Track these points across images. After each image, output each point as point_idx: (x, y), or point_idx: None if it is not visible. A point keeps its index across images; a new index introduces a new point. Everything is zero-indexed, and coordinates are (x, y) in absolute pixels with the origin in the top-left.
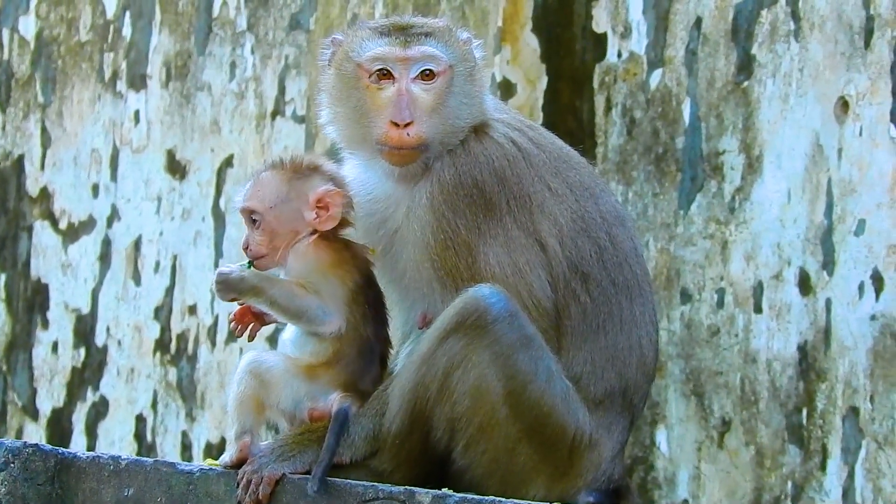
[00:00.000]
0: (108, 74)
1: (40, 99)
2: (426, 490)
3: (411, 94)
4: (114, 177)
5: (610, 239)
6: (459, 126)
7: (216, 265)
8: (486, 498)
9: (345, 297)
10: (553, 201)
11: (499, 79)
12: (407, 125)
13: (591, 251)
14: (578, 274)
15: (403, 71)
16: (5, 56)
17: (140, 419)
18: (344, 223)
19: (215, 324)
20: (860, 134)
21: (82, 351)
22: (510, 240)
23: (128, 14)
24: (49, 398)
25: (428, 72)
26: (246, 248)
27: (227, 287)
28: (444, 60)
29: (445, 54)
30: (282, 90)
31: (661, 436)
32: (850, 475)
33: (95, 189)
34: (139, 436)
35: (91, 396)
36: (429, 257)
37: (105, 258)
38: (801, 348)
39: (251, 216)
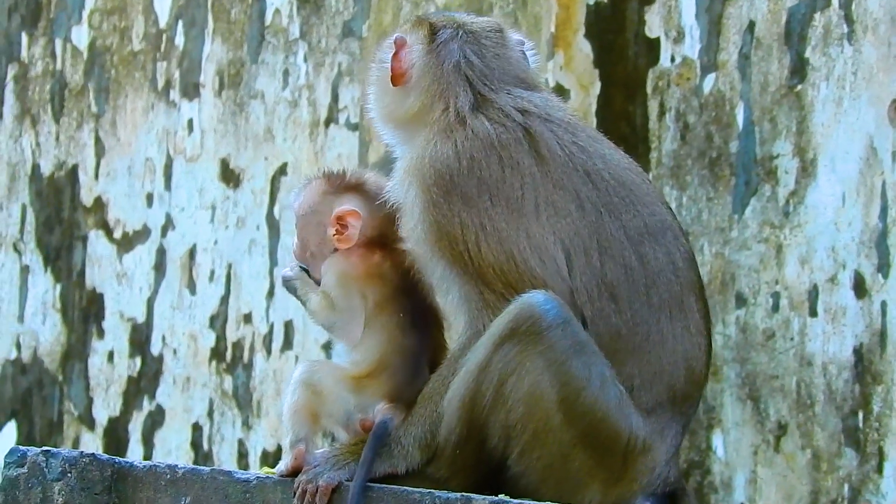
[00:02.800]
0: (161, 83)
1: (94, 109)
2: (483, 496)
3: None
4: (168, 186)
5: (639, 258)
6: (380, 121)
7: (271, 273)
8: None
9: (363, 310)
10: (551, 214)
11: (552, 84)
12: None
13: (615, 272)
14: (604, 295)
15: None
16: (58, 66)
17: (196, 428)
18: (387, 237)
19: (270, 332)
20: None
21: (138, 360)
22: (498, 230)
23: (180, 23)
24: (105, 407)
25: None
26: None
27: (286, 288)
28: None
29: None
30: (335, 98)
31: (717, 440)
32: None
33: (150, 198)
34: (196, 444)
35: (147, 405)
36: (430, 249)
37: (160, 267)
38: (857, 351)
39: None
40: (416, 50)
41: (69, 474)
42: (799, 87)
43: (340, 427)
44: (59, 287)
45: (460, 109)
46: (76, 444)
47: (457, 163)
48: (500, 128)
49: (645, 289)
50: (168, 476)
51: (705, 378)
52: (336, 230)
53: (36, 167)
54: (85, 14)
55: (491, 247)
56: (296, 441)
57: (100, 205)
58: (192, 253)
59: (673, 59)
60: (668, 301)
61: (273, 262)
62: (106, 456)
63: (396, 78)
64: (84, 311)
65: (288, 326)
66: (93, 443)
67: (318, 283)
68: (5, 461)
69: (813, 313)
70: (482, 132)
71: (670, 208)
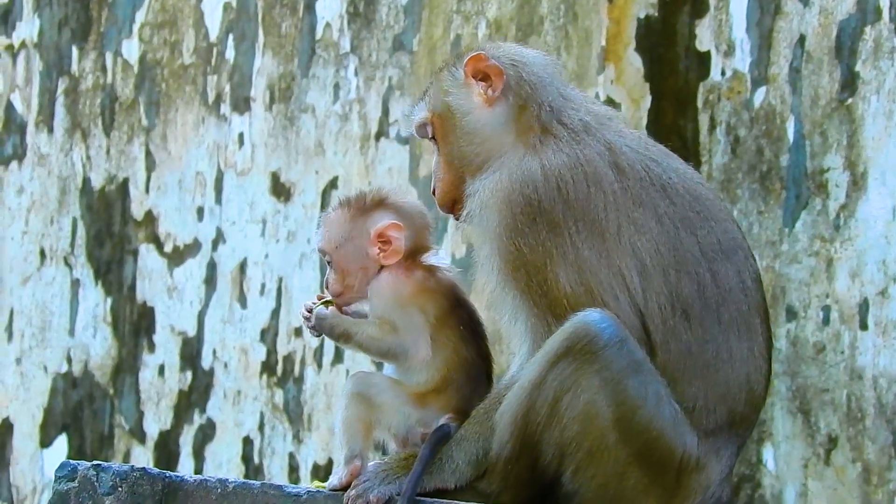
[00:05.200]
0: (211, 97)
1: (144, 122)
2: None
3: (435, 164)
4: (218, 200)
5: (712, 275)
6: (474, 164)
7: (321, 287)
8: None
9: (427, 326)
10: (632, 232)
11: (602, 98)
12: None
13: (689, 288)
14: (678, 312)
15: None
16: (109, 80)
17: (247, 441)
18: (420, 250)
19: (321, 346)
20: None
21: (189, 374)
22: (580, 260)
23: (231, 37)
24: (156, 421)
25: (429, 137)
26: (327, 287)
27: (321, 330)
28: (419, 119)
29: (423, 110)
30: (385, 112)
31: (767, 453)
32: None
33: (200, 212)
34: (246, 458)
35: (198, 419)
36: (504, 278)
37: (210, 281)
38: None
39: (324, 257)
40: (500, 59)
41: (120, 489)
42: (849, 100)
43: (397, 441)
44: (109, 301)
45: (552, 110)
46: (127, 457)
47: (544, 184)
48: (582, 140)
49: (716, 306)
50: (219, 490)
51: (763, 401)
52: (379, 248)
53: (86, 181)
54: (135, 28)
55: (570, 277)
56: (351, 456)
57: (150, 218)
58: (242, 267)
59: (723, 73)
60: (737, 320)
61: (324, 275)
62: (156, 470)
63: (494, 87)
64: (135, 325)
65: None
66: (143, 456)
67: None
68: (56, 475)
69: (863, 327)
70: (567, 147)
71: (740, 228)
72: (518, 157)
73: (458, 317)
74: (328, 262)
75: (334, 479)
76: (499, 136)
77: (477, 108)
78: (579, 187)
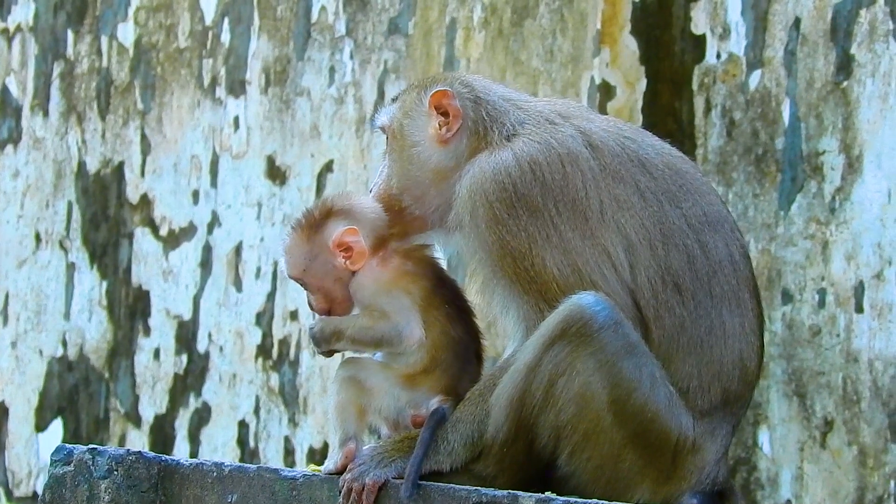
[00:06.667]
0: (207, 81)
1: (140, 106)
2: (529, 494)
3: (381, 168)
4: (214, 183)
5: (701, 247)
6: (410, 192)
7: None
8: (590, 501)
9: (415, 306)
10: (615, 209)
11: (598, 81)
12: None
13: (679, 261)
14: (669, 285)
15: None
16: (104, 63)
17: (242, 425)
18: (386, 239)
19: None
20: None
21: (184, 357)
22: (565, 242)
23: (226, 20)
24: (151, 405)
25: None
26: (313, 310)
27: (316, 342)
28: (379, 122)
29: (386, 117)
30: (381, 95)
31: (763, 436)
32: None
33: (196, 195)
34: (242, 442)
35: (193, 403)
36: (491, 269)
37: (206, 264)
38: None
39: (298, 282)
40: (465, 99)
41: (116, 472)
42: (845, 83)
43: (388, 424)
44: (105, 284)
45: (514, 123)
46: (122, 441)
47: (518, 169)
48: (552, 128)
49: (707, 279)
50: (214, 474)
51: (757, 379)
52: (343, 256)
53: (82, 164)
54: (131, 11)
55: (556, 260)
56: (345, 439)
57: (146, 202)
58: (238, 250)
59: (719, 56)
60: (728, 293)
61: None
62: (152, 454)
63: (450, 128)
64: (130, 309)
65: None
66: (139, 440)
67: None
68: (52, 459)
69: (859, 309)
70: (537, 136)
71: (723, 201)
72: (487, 154)
73: (442, 296)
74: (303, 286)
75: (330, 463)
76: (441, 174)
77: (428, 140)
78: (555, 168)
